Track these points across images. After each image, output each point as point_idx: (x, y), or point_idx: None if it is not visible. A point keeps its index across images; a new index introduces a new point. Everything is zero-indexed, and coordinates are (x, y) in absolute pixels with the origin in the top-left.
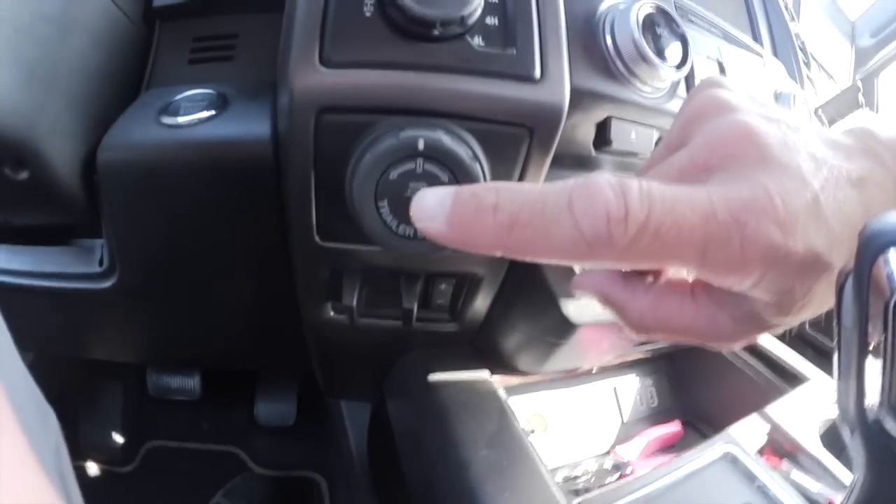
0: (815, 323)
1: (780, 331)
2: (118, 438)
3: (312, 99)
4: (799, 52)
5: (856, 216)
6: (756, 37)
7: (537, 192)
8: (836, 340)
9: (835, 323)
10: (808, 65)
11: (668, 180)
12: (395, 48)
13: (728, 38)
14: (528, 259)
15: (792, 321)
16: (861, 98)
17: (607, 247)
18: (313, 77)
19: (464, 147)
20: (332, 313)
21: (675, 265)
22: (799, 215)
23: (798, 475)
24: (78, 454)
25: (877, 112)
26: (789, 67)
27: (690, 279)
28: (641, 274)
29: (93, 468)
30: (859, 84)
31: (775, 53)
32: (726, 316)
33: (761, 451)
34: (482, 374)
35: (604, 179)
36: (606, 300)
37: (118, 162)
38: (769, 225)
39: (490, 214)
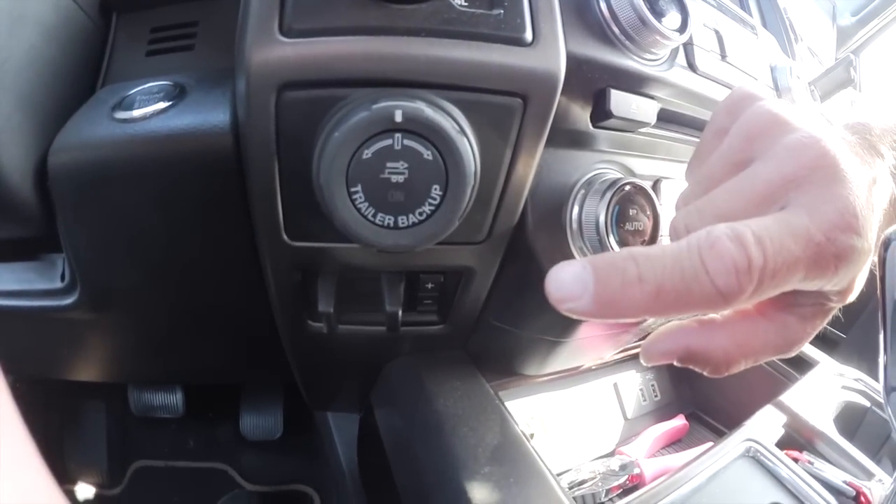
0: None
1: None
2: (104, 460)
3: (271, 73)
4: (788, 27)
5: (882, 206)
6: (745, 9)
7: (672, 256)
8: (881, 314)
9: (878, 293)
10: (796, 40)
11: (752, 203)
12: (366, 11)
13: (721, 8)
14: (672, 317)
15: (846, 300)
16: (853, 72)
17: (739, 294)
18: (272, 49)
19: (448, 119)
20: (308, 322)
21: (790, 288)
22: (868, 220)
23: (822, 466)
24: (64, 478)
25: (859, 91)
26: (779, 42)
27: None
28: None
29: (80, 492)
30: (852, 58)
31: (765, 27)
32: (795, 318)
33: (779, 444)
34: (476, 379)
35: (723, 234)
36: (687, 355)
37: (68, 163)
38: (852, 235)
39: (637, 286)
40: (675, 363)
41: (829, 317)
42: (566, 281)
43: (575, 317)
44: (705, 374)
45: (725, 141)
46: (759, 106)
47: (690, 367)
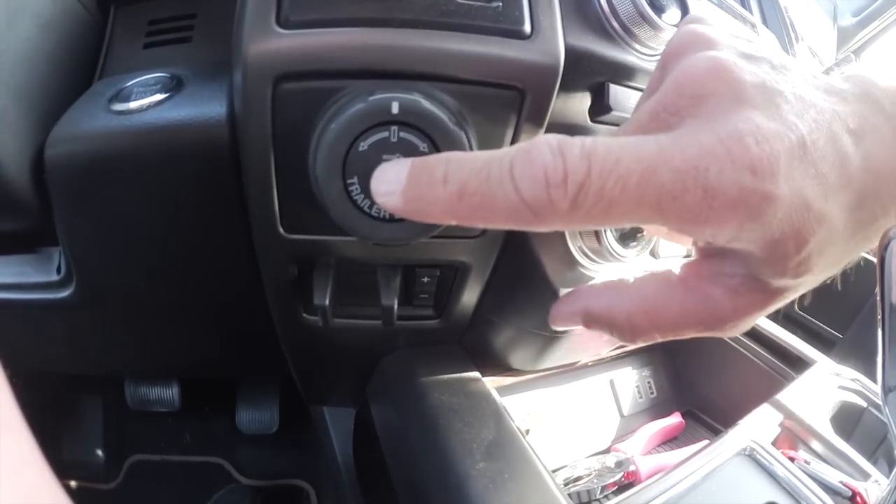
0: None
1: (785, 300)
2: (100, 454)
3: (268, 65)
4: (788, 26)
5: (853, 164)
6: (746, 7)
7: (484, 158)
8: (880, 314)
9: (877, 290)
10: (796, 39)
11: (636, 131)
12: (363, 3)
13: (722, 5)
14: (481, 226)
15: (795, 284)
16: None
17: (551, 211)
18: (269, 41)
19: (445, 111)
20: (304, 315)
21: (633, 223)
22: (780, 157)
23: (818, 466)
24: (61, 472)
25: None
26: (780, 40)
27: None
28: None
29: (76, 486)
30: (852, 58)
31: (766, 25)
32: (721, 290)
33: (776, 443)
34: (472, 374)
35: (544, 140)
36: (590, 317)
37: (64, 155)
38: (738, 169)
39: (441, 185)
40: (581, 326)
41: (776, 300)
42: (386, 176)
43: (392, 212)
44: (617, 338)
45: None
46: (685, 27)
47: (596, 330)
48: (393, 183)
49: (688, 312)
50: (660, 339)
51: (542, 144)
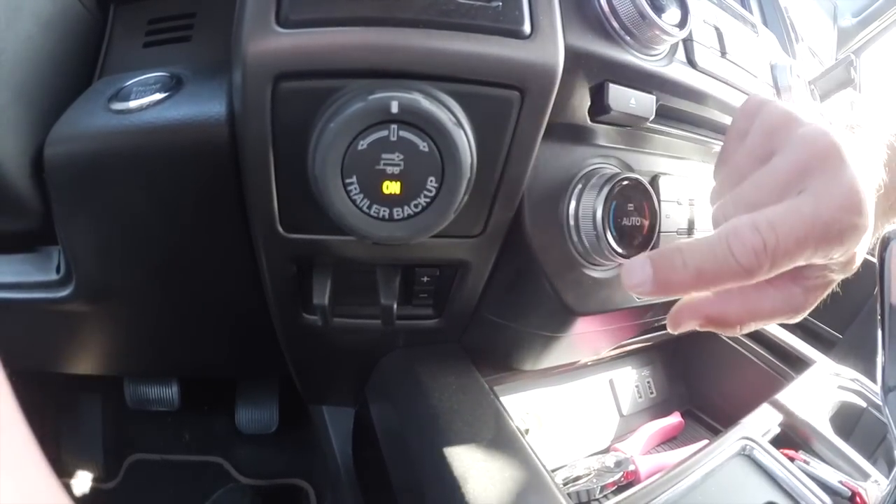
0: None
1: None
2: (100, 454)
3: (267, 64)
4: (788, 26)
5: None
6: (746, 7)
7: (707, 245)
8: (879, 314)
9: (877, 291)
10: (797, 39)
11: (774, 192)
12: (363, 2)
13: (722, 5)
14: (710, 289)
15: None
16: (853, 72)
17: (759, 270)
18: (269, 40)
19: (444, 111)
20: (303, 314)
21: (802, 262)
22: (868, 201)
23: (817, 466)
24: (60, 472)
25: (859, 92)
26: (780, 40)
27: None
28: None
29: (76, 486)
30: (852, 58)
31: (766, 25)
32: (801, 289)
33: (775, 442)
34: (471, 373)
35: (744, 224)
36: (708, 320)
37: (64, 154)
38: (856, 215)
39: (682, 270)
40: (697, 328)
41: (830, 289)
42: (634, 270)
43: (644, 298)
44: (720, 332)
45: (748, 139)
46: (773, 106)
47: (710, 329)
48: (641, 275)
49: (776, 307)
50: (754, 328)
51: (743, 227)
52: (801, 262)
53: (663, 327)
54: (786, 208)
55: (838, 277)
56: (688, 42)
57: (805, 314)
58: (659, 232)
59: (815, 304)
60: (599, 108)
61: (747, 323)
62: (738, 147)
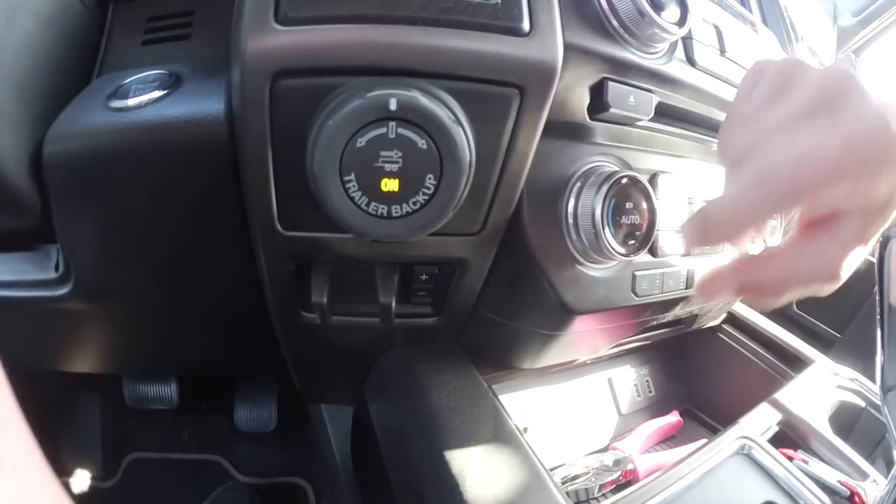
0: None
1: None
2: (98, 452)
3: (266, 62)
4: (788, 25)
5: None
6: (745, 6)
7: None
8: (878, 313)
9: (876, 290)
10: (796, 39)
11: (798, 119)
12: (361, 0)
13: (721, 4)
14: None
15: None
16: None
17: (801, 193)
18: (267, 37)
19: (443, 108)
20: (302, 313)
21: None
22: None
23: (816, 465)
24: (59, 470)
25: None
26: (779, 40)
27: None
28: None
29: (75, 485)
30: (852, 57)
31: (765, 24)
32: (837, 244)
33: (774, 442)
34: (470, 372)
35: (776, 143)
36: (742, 289)
37: (63, 152)
38: (890, 140)
39: (731, 203)
40: (730, 296)
41: (868, 249)
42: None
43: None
44: (754, 305)
45: (758, 88)
46: (784, 59)
47: (745, 298)
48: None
49: (812, 271)
50: (788, 300)
51: (775, 147)
52: (840, 193)
53: (662, 326)
54: (817, 128)
55: (874, 230)
56: (687, 40)
57: (839, 282)
58: (658, 230)
59: (850, 272)
60: (598, 105)
61: (783, 290)
62: (748, 100)
